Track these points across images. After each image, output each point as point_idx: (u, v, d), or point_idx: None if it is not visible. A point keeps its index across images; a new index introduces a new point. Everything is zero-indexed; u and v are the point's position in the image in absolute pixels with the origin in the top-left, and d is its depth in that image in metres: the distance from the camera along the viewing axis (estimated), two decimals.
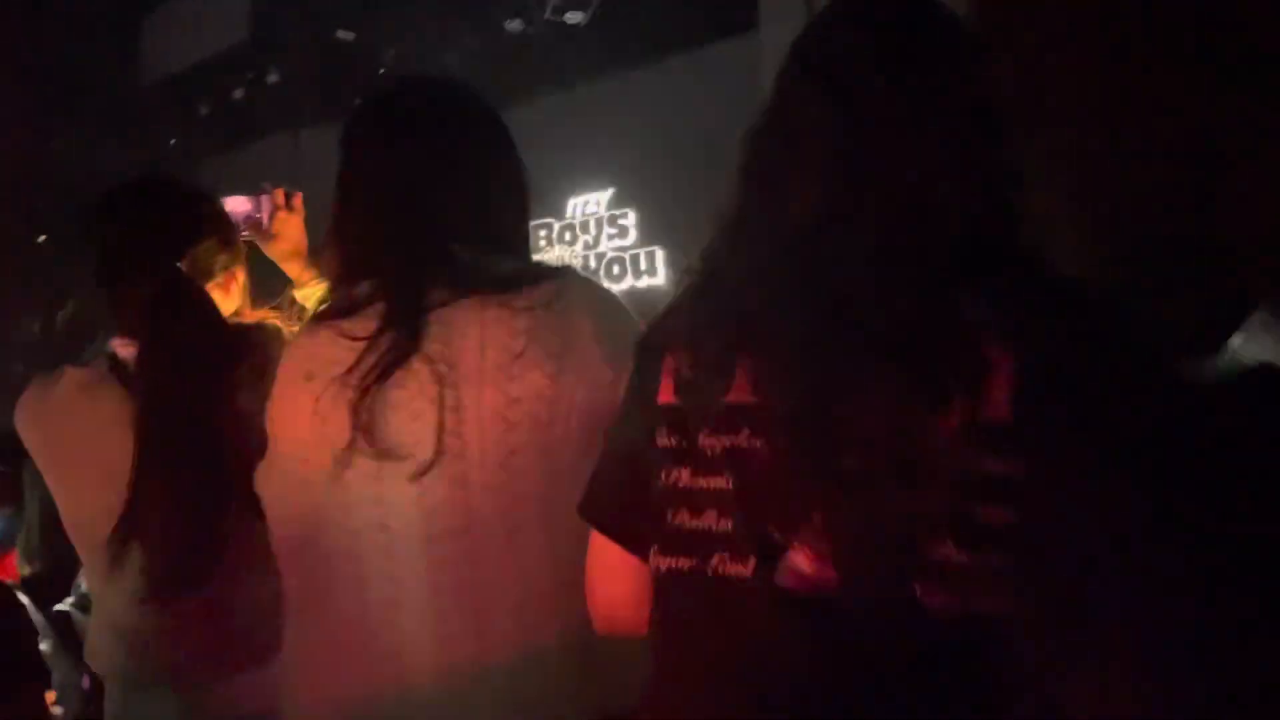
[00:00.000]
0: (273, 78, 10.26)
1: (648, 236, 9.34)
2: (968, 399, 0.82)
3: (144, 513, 1.35)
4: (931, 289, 0.85)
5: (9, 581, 3.00)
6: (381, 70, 10.27)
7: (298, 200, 1.83)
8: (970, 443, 0.81)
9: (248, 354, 1.43)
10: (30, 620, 1.56)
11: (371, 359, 1.15)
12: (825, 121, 0.93)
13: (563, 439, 1.12)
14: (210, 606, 1.34)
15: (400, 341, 1.16)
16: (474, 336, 1.19)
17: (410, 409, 1.15)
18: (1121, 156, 5.02)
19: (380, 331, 1.16)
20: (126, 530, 1.35)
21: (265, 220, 1.84)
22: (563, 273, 1.25)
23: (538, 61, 9.59)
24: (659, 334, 1.02)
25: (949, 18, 1.01)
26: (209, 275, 1.55)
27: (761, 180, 0.97)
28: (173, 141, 11.37)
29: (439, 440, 1.14)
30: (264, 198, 1.85)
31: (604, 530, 1.05)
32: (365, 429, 1.13)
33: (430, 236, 1.22)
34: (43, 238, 11.07)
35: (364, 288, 1.23)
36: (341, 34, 9.62)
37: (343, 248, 1.29)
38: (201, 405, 1.39)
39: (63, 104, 10.17)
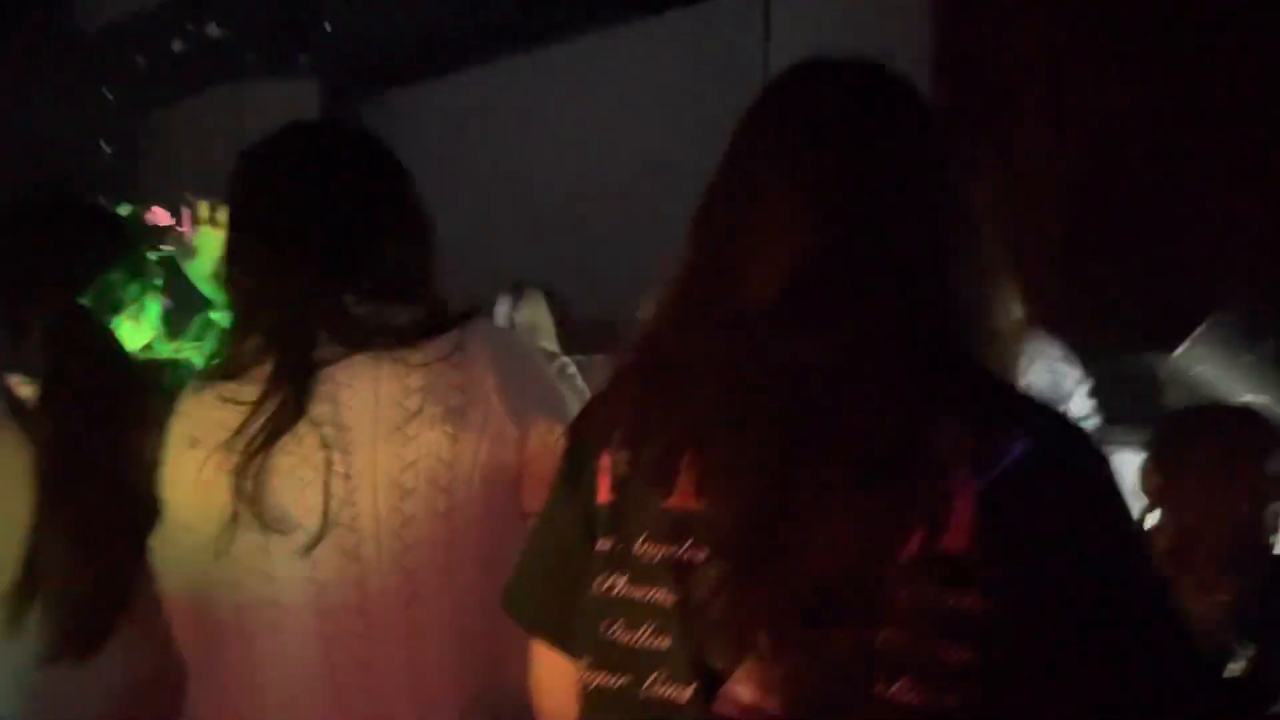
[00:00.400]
0: (213, 30, 9.93)
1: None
2: (929, 529, 0.79)
3: (46, 567, 1.31)
4: (901, 408, 0.82)
5: None
6: (326, 25, 10.01)
7: (222, 214, 1.77)
8: (930, 575, 0.79)
9: (162, 393, 1.38)
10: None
11: (256, 424, 1.11)
12: (789, 195, 0.90)
13: (464, 503, 1.08)
14: (122, 660, 1.31)
15: (286, 405, 1.12)
16: (366, 396, 1.14)
17: (297, 477, 1.11)
18: (1093, 160, 5.08)
19: (266, 394, 1.12)
20: (28, 587, 1.31)
21: (187, 235, 1.77)
22: (465, 320, 1.21)
23: (487, 24, 9.40)
24: (594, 423, 0.95)
25: (918, 95, 0.99)
26: (118, 307, 1.47)
27: (714, 252, 0.92)
28: (110, 96, 11.01)
29: (328, 510, 1.10)
30: (185, 211, 1.78)
31: (541, 635, 1.00)
32: (249, 500, 1.09)
33: (322, 288, 1.17)
34: None
35: (251, 345, 1.18)
36: None
37: (230, 301, 1.25)
38: (106, 452, 1.34)
39: None
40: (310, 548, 1.09)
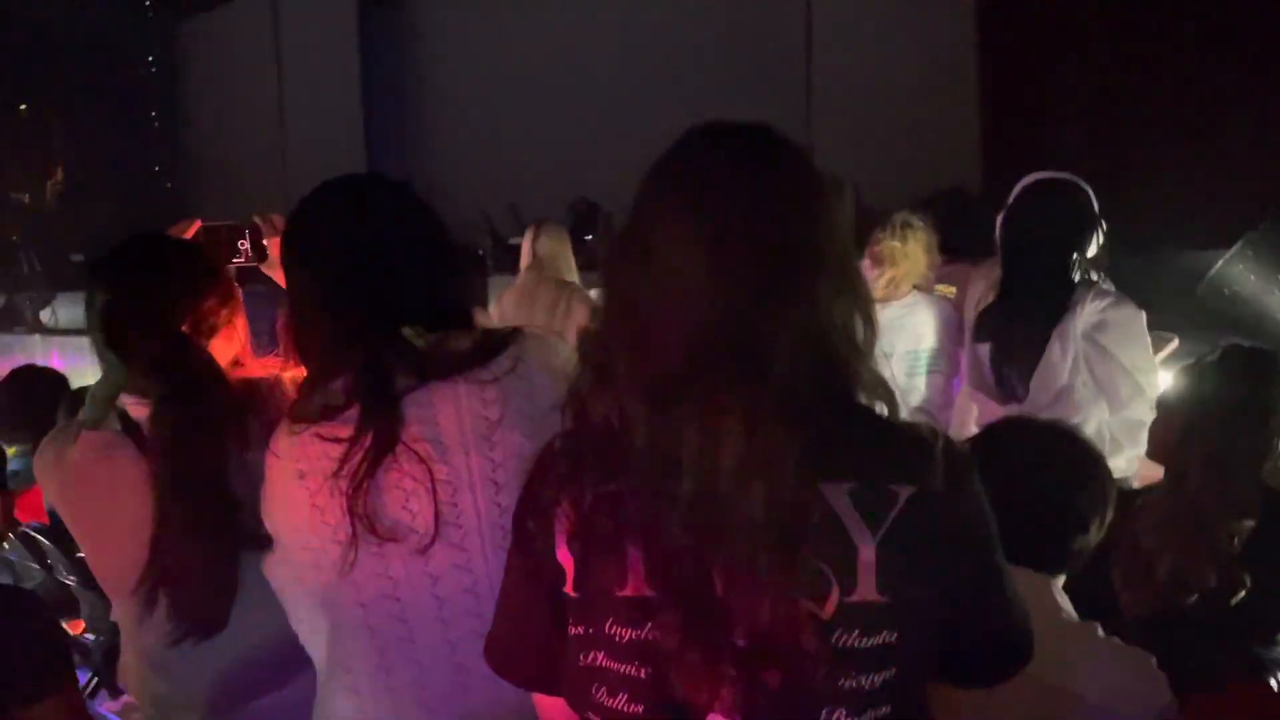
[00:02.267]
0: None
1: None
2: (840, 586, 0.91)
3: (168, 565, 1.48)
4: (799, 481, 0.90)
5: (33, 524, 3.17)
6: None
7: (279, 221, 1.87)
8: (849, 624, 0.91)
9: (254, 409, 1.52)
10: (53, 619, 1.69)
11: (358, 456, 1.24)
12: (683, 264, 0.95)
13: None
14: (233, 640, 1.49)
15: (381, 436, 1.24)
16: (450, 413, 1.27)
17: (402, 490, 1.24)
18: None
19: (360, 430, 1.24)
20: (153, 581, 1.49)
21: (248, 248, 1.89)
22: (515, 338, 1.32)
23: None
24: (545, 494, 1.02)
25: (801, 154, 1.04)
26: (212, 331, 1.59)
27: (622, 316, 0.99)
28: (147, 3, 10.96)
29: (436, 514, 1.25)
30: (250, 228, 1.90)
31: (533, 689, 1.10)
32: (365, 519, 1.23)
33: (386, 329, 1.28)
34: (23, 106, 10.85)
35: (334, 387, 1.28)
36: None
37: (302, 350, 1.35)
38: (213, 463, 1.48)
39: None
40: (427, 547, 1.25)
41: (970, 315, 3.12)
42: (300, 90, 10.55)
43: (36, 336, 8.21)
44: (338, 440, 1.25)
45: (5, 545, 3.33)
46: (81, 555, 2.51)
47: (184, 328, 1.55)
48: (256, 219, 1.87)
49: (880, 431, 0.97)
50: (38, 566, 3.42)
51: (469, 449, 1.27)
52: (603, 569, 0.96)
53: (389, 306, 1.30)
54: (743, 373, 0.91)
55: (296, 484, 1.27)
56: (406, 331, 1.29)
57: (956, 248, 3.66)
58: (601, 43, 9.06)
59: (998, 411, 2.60)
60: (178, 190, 11.72)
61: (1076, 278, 2.55)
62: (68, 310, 8.71)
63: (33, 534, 3.24)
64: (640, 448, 0.94)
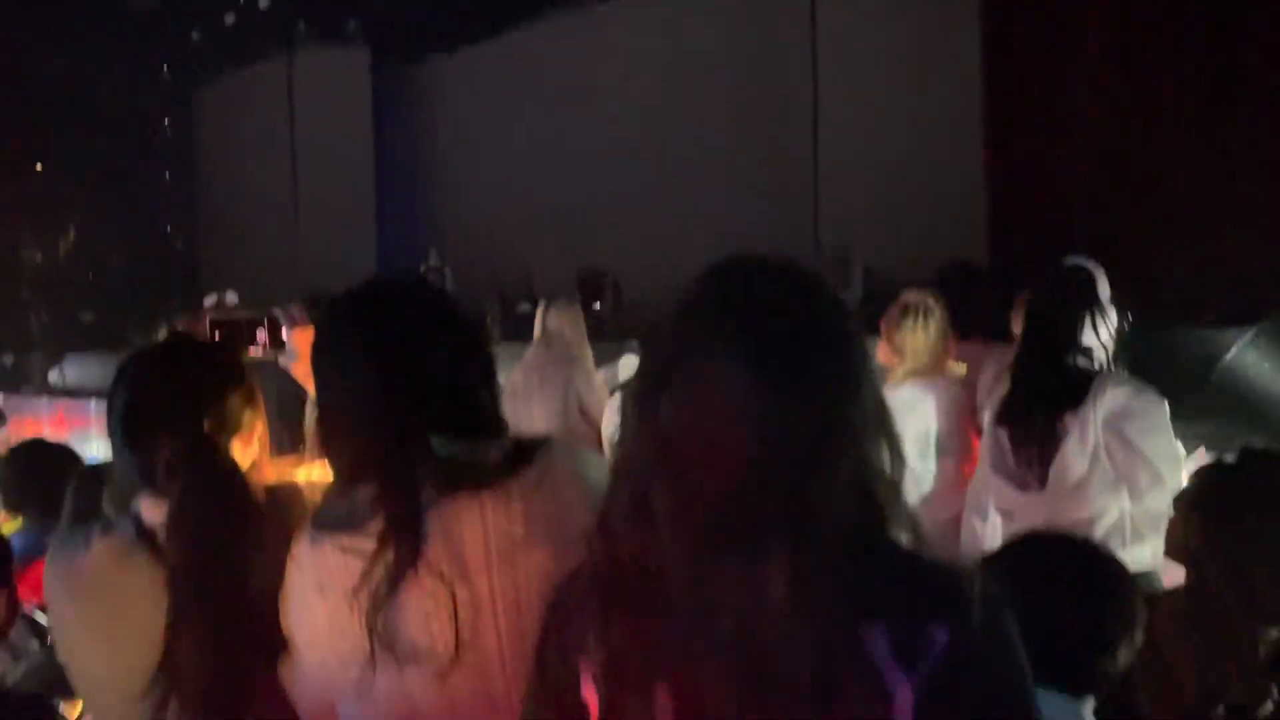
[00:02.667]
0: (264, 2, 10.01)
1: None
2: None
3: (180, 671, 1.45)
4: (836, 625, 0.89)
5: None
6: None
7: (300, 314, 1.87)
8: None
9: (272, 519, 1.50)
10: None
11: (379, 573, 1.21)
12: (737, 401, 0.94)
13: None
14: None
15: (404, 552, 1.22)
16: (475, 530, 1.24)
17: (423, 611, 1.21)
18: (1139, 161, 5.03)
19: (383, 543, 1.22)
20: (164, 688, 1.46)
21: (266, 340, 1.88)
22: (544, 448, 1.31)
23: None
24: (571, 627, 1.00)
25: (828, 286, 1.03)
26: (234, 432, 1.58)
27: (663, 450, 0.96)
28: (165, 68, 11.18)
29: (458, 636, 1.22)
30: (284, 314, 1.88)
31: None
32: (385, 640, 1.20)
33: (414, 437, 1.27)
34: (39, 166, 10.99)
35: (359, 495, 1.27)
36: None
37: (330, 454, 1.34)
38: (232, 567, 1.46)
39: (55, 30, 9.96)
40: (447, 671, 1.22)
41: (983, 398, 3.12)
42: (313, 155, 10.69)
43: (44, 397, 8.21)
44: (360, 554, 1.23)
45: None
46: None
47: (205, 428, 1.54)
48: (276, 311, 1.87)
49: (913, 567, 0.97)
50: (37, 644, 3.37)
51: (492, 569, 1.24)
52: (630, 710, 0.94)
53: (418, 414, 1.28)
54: (789, 516, 0.91)
55: (316, 597, 1.25)
56: (435, 441, 1.27)
57: (966, 325, 3.68)
58: (613, 113, 9.19)
59: (1016, 498, 2.60)
60: (189, 253, 11.82)
61: (1095, 365, 2.54)
62: (75, 371, 8.73)
63: (33, 614, 3.19)
64: (678, 588, 0.93)
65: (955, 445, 3.15)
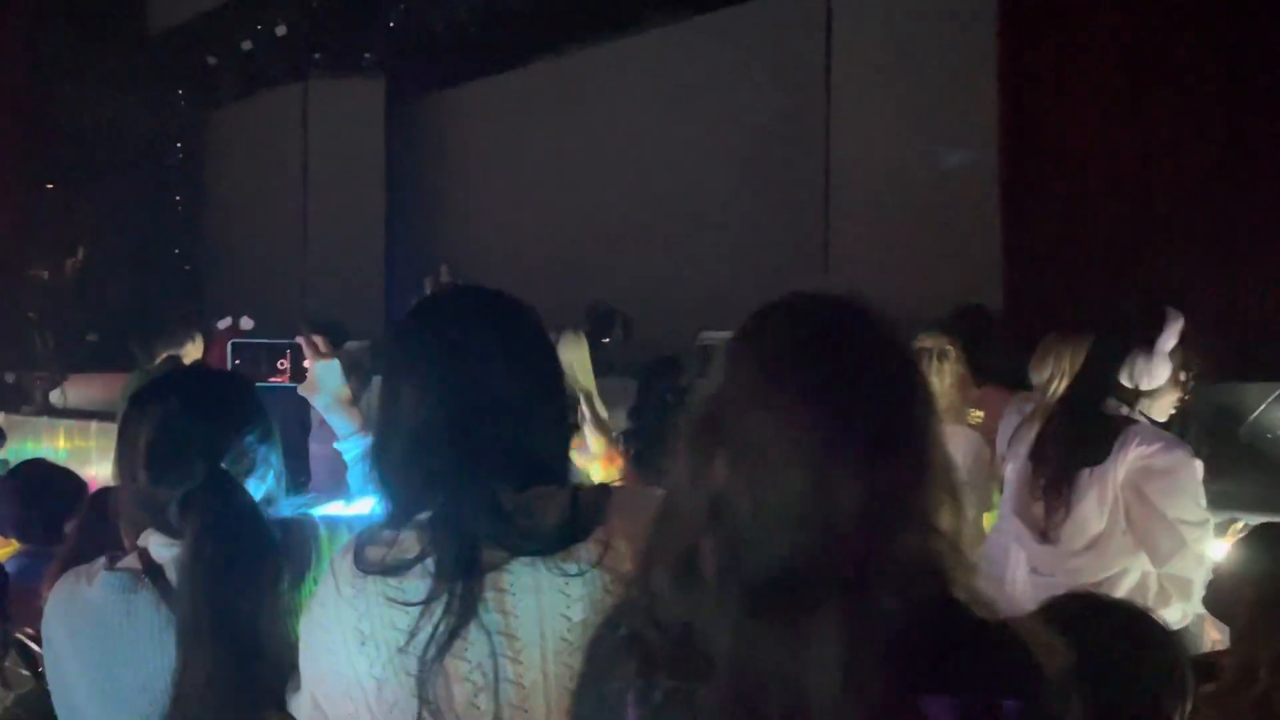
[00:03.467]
0: (281, 30, 10.09)
1: None
2: None
3: (190, 713, 1.39)
4: (898, 696, 0.85)
5: None
6: (390, 23, 10.12)
7: (323, 344, 1.79)
8: None
9: (289, 558, 1.44)
10: None
11: (429, 629, 1.13)
12: (796, 465, 0.87)
13: None
14: None
15: (456, 610, 1.14)
16: (530, 604, 1.15)
17: (472, 682, 1.13)
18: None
19: (434, 597, 1.14)
20: None
21: (288, 368, 1.81)
22: (604, 507, 1.21)
23: (549, 20, 9.42)
24: (611, 686, 0.94)
25: (892, 328, 0.98)
26: (250, 470, 1.52)
27: (714, 510, 0.90)
28: (180, 92, 11.26)
29: (500, 716, 1.14)
30: (292, 348, 1.81)
31: None
32: (433, 707, 1.12)
33: (474, 480, 1.17)
34: (50, 185, 11.02)
35: (409, 539, 1.18)
36: None
37: (382, 486, 1.24)
38: (246, 611, 1.40)
39: (68, 54, 10.03)
40: None
41: (1003, 446, 3.05)
42: (324, 182, 10.73)
43: (44, 418, 8.16)
44: (406, 606, 1.14)
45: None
46: None
47: (223, 464, 1.48)
48: (300, 339, 1.80)
49: (979, 636, 0.90)
50: (28, 673, 3.30)
51: (546, 651, 1.14)
52: None
53: (485, 457, 1.18)
54: (848, 581, 0.85)
55: (357, 647, 1.14)
56: (498, 492, 1.17)
57: (981, 370, 3.62)
58: (624, 146, 9.22)
59: (1036, 548, 2.51)
60: (196, 274, 11.83)
61: (1135, 415, 2.44)
62: (76, 391, 8.68)
63: (27, 641, 3.12)
64: (723, 652, 0.87)
65: (973, 496, 3.08)
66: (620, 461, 3.18)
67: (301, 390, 1.77)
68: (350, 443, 1.75)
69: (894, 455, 0.89)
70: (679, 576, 0.91)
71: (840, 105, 7.46)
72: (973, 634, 0.90)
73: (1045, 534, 2.48)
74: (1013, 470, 2.64)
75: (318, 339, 1.76)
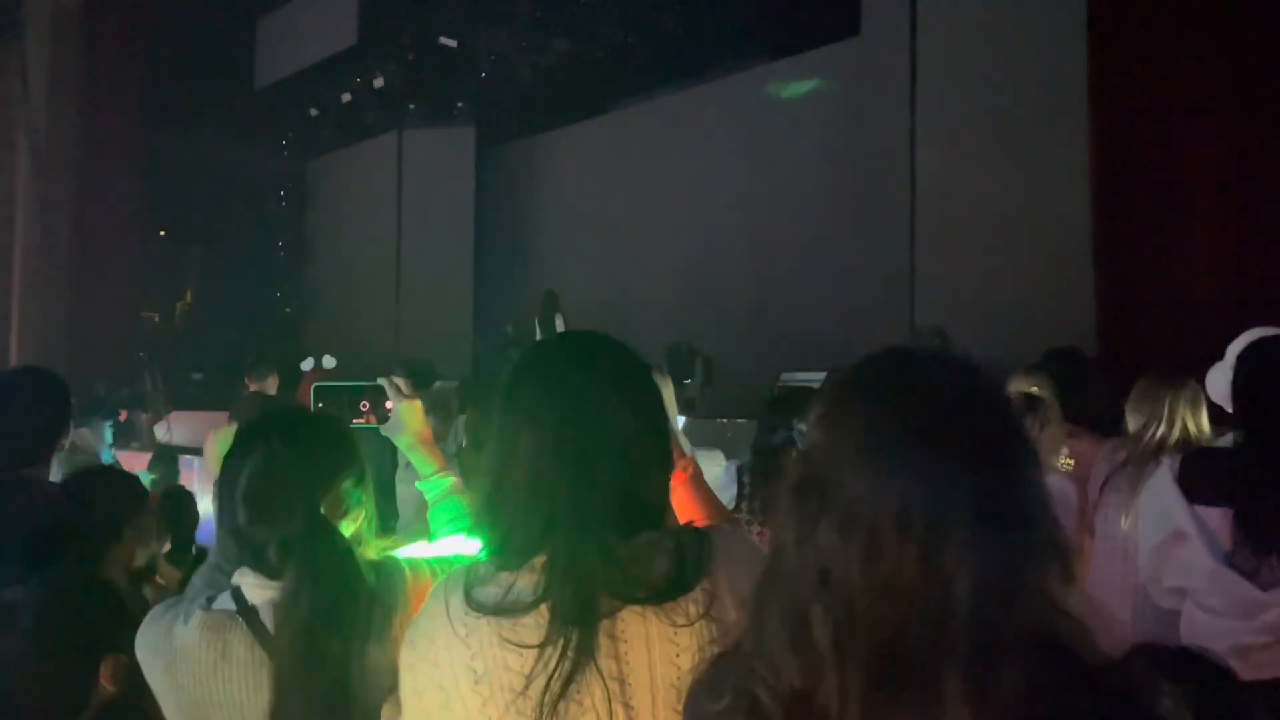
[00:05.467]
0: (379, 82, 10.48)
1: None
2: None
3: None
4: None
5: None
6: (482, 74, 10.43)
7: (405, 385, 1.82)
8: None
9: (380, 599, 1.47)
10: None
11: (546, 672, 1.15)
12: (908, 525, 0.85)
13: None
14: None
15: (574, 654, 1.15)
16: (641, 653, 1.15)
17: None
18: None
19: (550, 640, 1.15)
20: None
21: (369, 410, 1.83)
22: (708, 553, 1.21)
23: (634, 66, 9.59)
24: None
25: (1002, 388, 0.95)
26: (345, 514, 1.55)
27: (821, 578, 0.88)
28: (284, 142, 11.77)
29: None
30: (371, 389, 1.84)
31: None
32: None
33: (590, 525, 1.18)
34: (163, 232, 11.58)
35: (524, 582, 1.20)
36: (445, 40, 9.77)
37: (493, 526, 1.26)
38: (341, 658, 1.43)
39: (182, 106, 10.59)
40: None
41: (1094, 495, 2.94)
42: (416, 228, 11.04)
43: (150, 454, 8.50)
44: (520, 649, 1.15)
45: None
46: None
47: (321, 509, 1.51)
48: (382, 381, 1.83)
49: (1107, 696, 0.87)
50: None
51: (657, 698, 1.15)
52: None
53: (600, 502, 1.20)
54: (970, 658, 0.82)
55: (469, 687, 1.15)
56: (609, 535, 1.19)
57: (1073, 413, 3.50)
58: (707, 189, 9.27)
59: (1256, 595, 2.23)
60: (296, 317, 12.26)
61: None
62: (181, 428, 9.03)
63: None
64: None
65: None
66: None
67: (384, 430, 1.80)
68: (432, 482, 1.77)
69: (1004, 525, 0.85)
70: (794, 641, 0.89)
71: (925, 144, 7.37)
72: (1101, 696, 0.86)
73: (1267, 579, 2.21)
74: (1193, 518, 2.35)
75: (400, 380, 1.79)
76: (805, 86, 8.94)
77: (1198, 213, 5.19)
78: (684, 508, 1.59)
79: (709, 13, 8.99)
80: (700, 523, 1.53)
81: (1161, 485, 2.40)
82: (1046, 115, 6.37)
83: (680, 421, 4.05)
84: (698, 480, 1.64)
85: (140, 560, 2.48)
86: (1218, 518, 2.26)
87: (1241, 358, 2.32)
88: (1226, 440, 2.33)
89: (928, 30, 7.44)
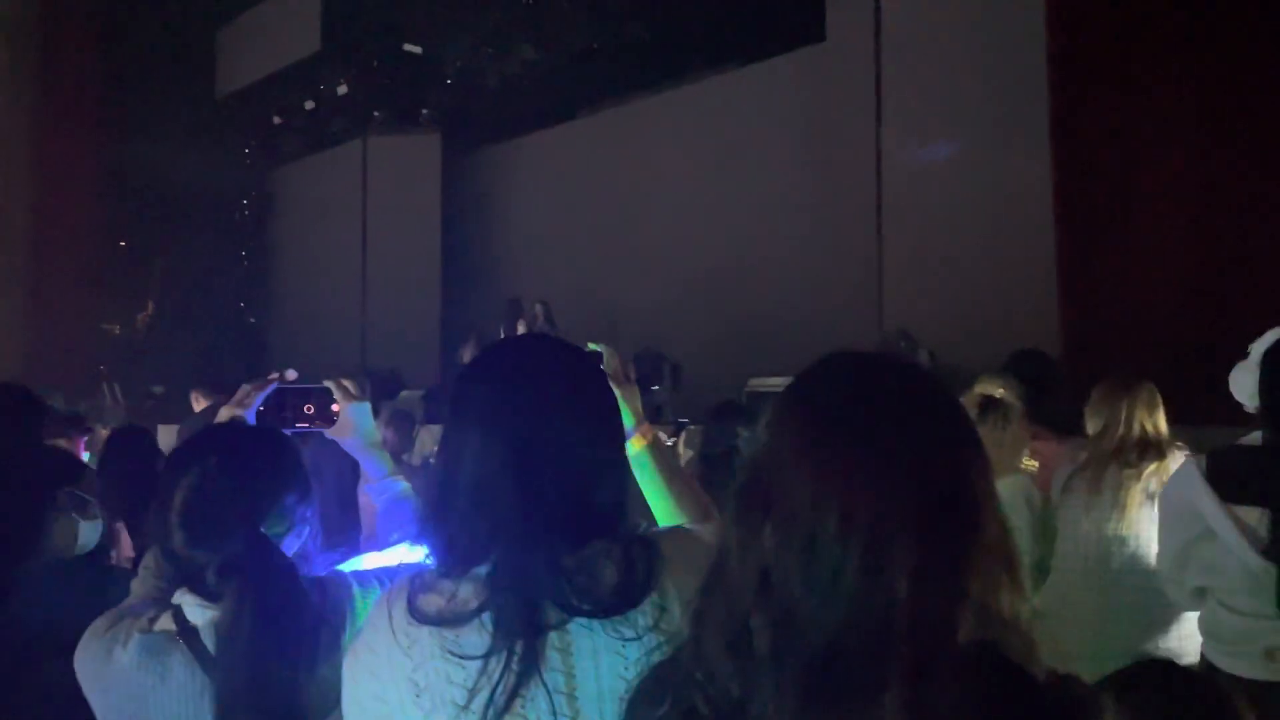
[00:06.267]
0: (343, 89, 10.40)
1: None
2: None
3: None
4: None
5: None
6: (447, 80, 10.37)
7: (358, 387, 1.77)
8: None
9: (325, 621, 1.42)
10: None
11: (490, 685, 1.11)
12: (848, 531, 0.83)
13: None
14: None
15: (518, 668, 1.11)
16: (589, 666, 1.12)
17: None
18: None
19: (494, 652, 1.11)
20: None
21: (313, 412, 1.78)
22: (657, 562, 1.18)
23: (600, 73, 9.58)
24: None
25: (947, 388, 0.93)
26: (288, 531, 1.50)
27: (762, 584, 0.86)
28: (246, 151, 11.64)
29: None
30: (319, 390, 1.78)
31: None
32: None
33: (536, 534, 1.14)
34: (123, 243, 11.42)
35: (467, 591, 1.16)
36: (409, 47, 9.71)
37: (437, 533, 1.21)
38: (286, 680, 1.38)
39: (141, 115, 10.45)
40: None
41: (1056, 497, 2.94)
42: (382, 236, 10.97)
43: None
44: (463, 661, 1.11)
45: None
46: None
47: (262, 528, 1.46)
48: (328, 383, 1.76)
49: (1040, 704, 0.85)
50: None
51: (604, 712, 1.11)
52: None
53: (549, 511, 1.16)
54: (907, 673, 0.81)
55: (410, 698, 1.11)
56: (556, 544, 1.15)
57: (1037, 415, 3.50)
58: (674, 195, 9.27)
59: None
60: (260, 327, 12.12)
61: None
62: None
63: None
64: None
65: (1028, 544, 2.97)
66: None
67: (331, 433, 1.74)
68: (382, 485, 1.72)
69: (948, 529, 0.83)
70: (732, 648, 0.87)
71: (891, 148, 7.42)
72: (1036, 702, 0.85)
73: None
74: (1227, 516, 2.28)
75: (347, 381, 1.74)
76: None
77: (1157, 216, 5.24)
78: (649, 486, 1.52)
79: (675, 19, 8.99)
80: (664, 509, 1.50)
81: (1187, 483, 2.35)
82: (1010, 119, 6.42)
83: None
84: (659, 447, 1.59)
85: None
86: (1251, 517, 2.22)
87: (1268, 357, 2.30)
88: (1255, 439, 2.31)
89: (891, 36, 7.48)
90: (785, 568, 0.84)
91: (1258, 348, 2.35)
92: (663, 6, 8.90)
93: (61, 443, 3.52)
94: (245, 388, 1.72)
